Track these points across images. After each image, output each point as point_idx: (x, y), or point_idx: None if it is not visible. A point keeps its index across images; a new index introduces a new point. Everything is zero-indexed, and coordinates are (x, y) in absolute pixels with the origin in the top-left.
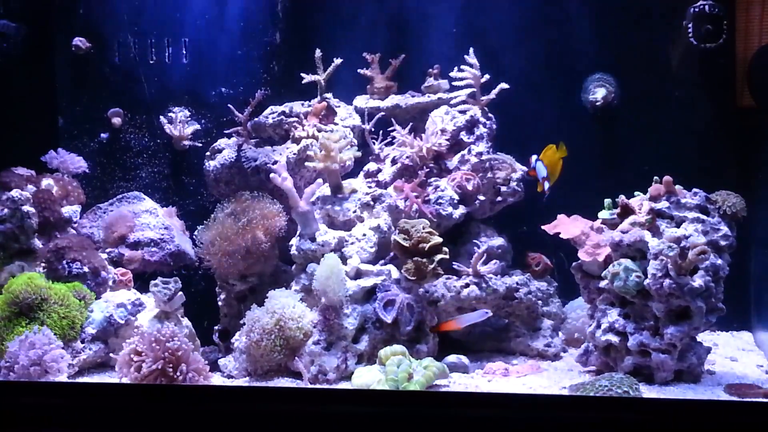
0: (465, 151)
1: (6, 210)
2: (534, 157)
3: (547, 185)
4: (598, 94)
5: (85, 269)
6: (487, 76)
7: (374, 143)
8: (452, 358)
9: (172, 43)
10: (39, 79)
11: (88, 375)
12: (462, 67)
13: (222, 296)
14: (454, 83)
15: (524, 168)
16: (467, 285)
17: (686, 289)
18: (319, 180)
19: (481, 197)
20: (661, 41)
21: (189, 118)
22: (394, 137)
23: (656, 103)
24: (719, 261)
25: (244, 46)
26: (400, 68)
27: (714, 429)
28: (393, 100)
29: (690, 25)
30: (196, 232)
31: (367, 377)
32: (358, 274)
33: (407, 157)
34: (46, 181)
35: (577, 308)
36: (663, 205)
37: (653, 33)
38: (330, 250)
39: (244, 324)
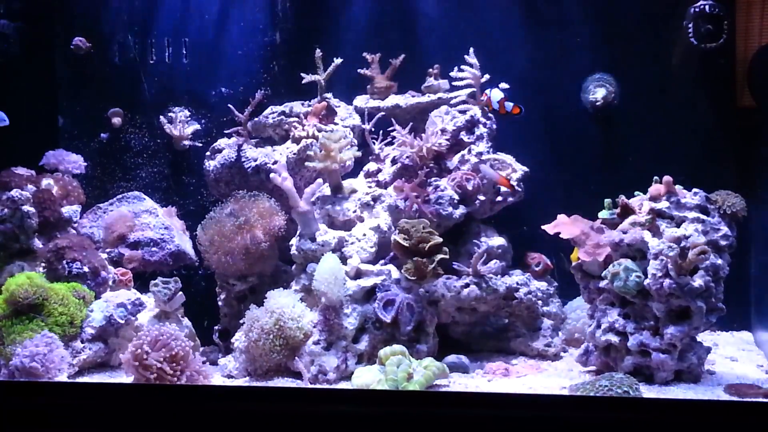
0: (465, 151)
1: (6, 210)
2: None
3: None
4: (598, 94)
5: (85, 269)
6: (487, 76)
7: (374, 143)
8: (452, 357)
9: (172, 43)
10: (39, 79)
11: (88, 375)
12: (462, 67)
13: (222, 296)
14: (454, 83)
15: (525, 168)
16: (467, 285)
17: (686, 289)
18: (319, 180)
19: (481, 197)
20: (661, 41)
21: (189, 118)
22: (394, 137)
23: (656, 103)
24: (719, 261)
25: (244, 46)
26: (399, 68)
27: (714, 429)
28: (393, 100)
29: (690, 25)
30: (196, 231)
31: (367, 377)
32: (358, 274)
33: (407, 157)
34: (46, 181)
35: (577, 308)
36: (663, 205)
37: (653, 33)
38: (330, 250)
39: (244, 324)
